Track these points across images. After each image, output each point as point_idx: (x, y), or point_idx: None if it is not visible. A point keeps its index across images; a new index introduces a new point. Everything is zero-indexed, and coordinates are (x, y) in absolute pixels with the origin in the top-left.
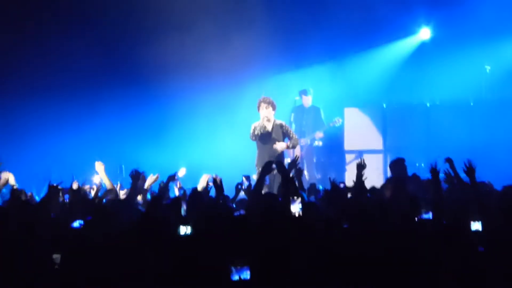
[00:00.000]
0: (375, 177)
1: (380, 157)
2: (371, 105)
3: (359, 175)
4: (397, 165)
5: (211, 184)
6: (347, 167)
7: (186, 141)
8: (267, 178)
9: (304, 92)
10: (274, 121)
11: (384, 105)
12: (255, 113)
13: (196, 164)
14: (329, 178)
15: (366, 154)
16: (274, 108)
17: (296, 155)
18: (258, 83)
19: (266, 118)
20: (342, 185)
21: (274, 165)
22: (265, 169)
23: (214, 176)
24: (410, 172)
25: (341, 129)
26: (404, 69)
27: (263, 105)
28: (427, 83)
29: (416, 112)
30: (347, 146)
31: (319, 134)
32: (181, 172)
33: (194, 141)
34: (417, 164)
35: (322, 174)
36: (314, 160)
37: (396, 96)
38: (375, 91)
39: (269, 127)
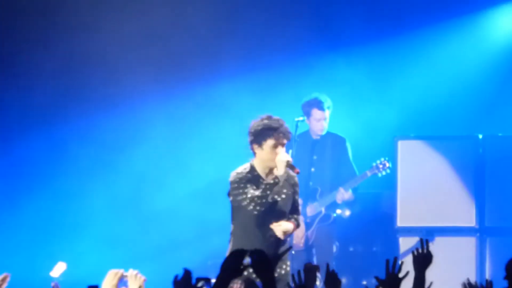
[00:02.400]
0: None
1: (471, 241)
2: (454, 137)
3: (420, 279)
4: None
5: None
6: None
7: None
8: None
9: (315, 104)
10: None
11: (480, 136)
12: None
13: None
14: None
15: (441, 237)
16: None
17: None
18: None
19: (289, 165)
20: None
21: (248, 260)
22: (230, 266)
23: (126, 274)
24: None
25: (390, 185)
26: None
27: (280, 138)
28: None
29: None
30: (402, 219)
31: (345, 194)
32: (57, 271)
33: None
34: None
35: (351, 276)
36: (335, 248)
37: (505, 119)
38: (461, 111)
39: (285, 186)
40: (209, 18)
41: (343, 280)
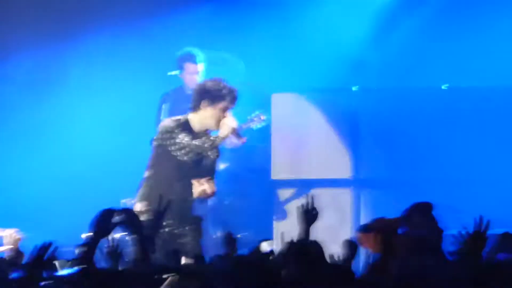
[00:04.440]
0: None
1: (347, 193)
2: (328, 89)
3: (305, 234)
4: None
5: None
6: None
7: None
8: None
9: (188, 58)
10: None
11: (354, 88)
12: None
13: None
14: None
15: (318, 188)
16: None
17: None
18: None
19: (235, 133)
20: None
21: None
22: (100, 226)
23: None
24: None
25: (264, 138)
26: (396, 17)
27: (226, 102)
28: (441, 48)
29: (420, 102)
30: (276, 172)
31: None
32: None
33: None
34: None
35: (227, 230)
36: (209, 201)
37: (380, 71)
38: (335, 61)
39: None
40: None
41: (218, 234)
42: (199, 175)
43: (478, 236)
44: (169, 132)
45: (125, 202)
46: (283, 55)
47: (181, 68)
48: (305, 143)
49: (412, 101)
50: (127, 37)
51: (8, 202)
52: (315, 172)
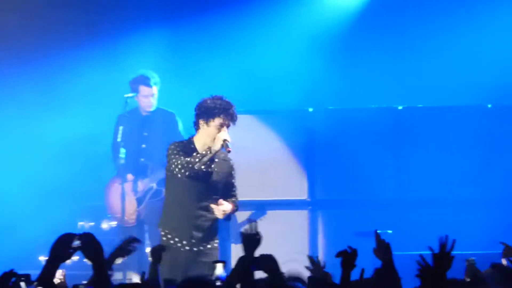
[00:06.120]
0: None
1: (304, 214)
2: (284, 111)
3: (248, 259)
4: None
5: None
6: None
7: None
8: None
9: (142, 81)
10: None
11: (310, 110)
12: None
13: None
14: None
15: (273, 210)
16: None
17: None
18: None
19: (224, 144)
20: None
21: (77, 243)
22: (59, 251)
23: None
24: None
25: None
26: (352, 36)
27: (227, 120)
28: (397, 70)
29: (377, 122)
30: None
31: None
32: None
33: None
34: (378, 231)
35: None
36: None
37: (335, 93)
38: (291, 85)
39: (220, 164)
40: None
41: None
42: (212, 191)
43: (442, 256)
44: (170, 154)
45: (83, 225)
46: (239, 77)
47: (135, 90)
48: (262, 164)
49: (369, 121)
50: (89, 55)
51: None
52: (271, 194)
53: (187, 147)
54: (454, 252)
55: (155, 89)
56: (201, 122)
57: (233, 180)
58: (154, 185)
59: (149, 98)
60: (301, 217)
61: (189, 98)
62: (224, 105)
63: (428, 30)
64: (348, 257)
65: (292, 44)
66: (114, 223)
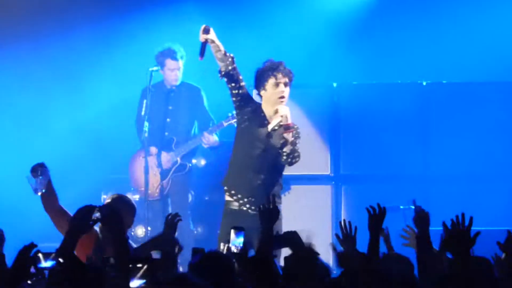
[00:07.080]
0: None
1: (327, 189)
2: (309, 85)
3: (267, 233)
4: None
5: None
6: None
7: None
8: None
9: (169, 55)
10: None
11: (335, 85)
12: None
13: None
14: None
15: (297, 185)
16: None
17: None
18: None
19: (282, 102)
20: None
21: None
22: (79, 222)
23: None
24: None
25: None
26: (377, 12)
27: (279, 77)
28: (422, 45)
29: (401, 98)
30: None
31: (210, 138)
32: None
33: None
34: (401, 207)
35: (206, 226)
36: (190, 197)
37: (359, 68)
38: (317, 61)
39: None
40: None
41: (199, 229)
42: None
43: (460, 233)
44: (240, 112)
45: (105, 198)
46: (264, 53)
47: (162, 63)
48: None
49: (393, 97)
50: (110, 32)
51: None
52: (295, 168)
53: (257, 112)
54: (481, 228)
55: (181, 63)
56: (260, 91)
57: (297, 141)
58: (178, 159)
59: (175, 72)
60: (324, 192)
61: (213, 75)
62: (272, 64)
63: (454, 4)
64: (377, 218)
65: (317, 20)
66: (137, 197)
